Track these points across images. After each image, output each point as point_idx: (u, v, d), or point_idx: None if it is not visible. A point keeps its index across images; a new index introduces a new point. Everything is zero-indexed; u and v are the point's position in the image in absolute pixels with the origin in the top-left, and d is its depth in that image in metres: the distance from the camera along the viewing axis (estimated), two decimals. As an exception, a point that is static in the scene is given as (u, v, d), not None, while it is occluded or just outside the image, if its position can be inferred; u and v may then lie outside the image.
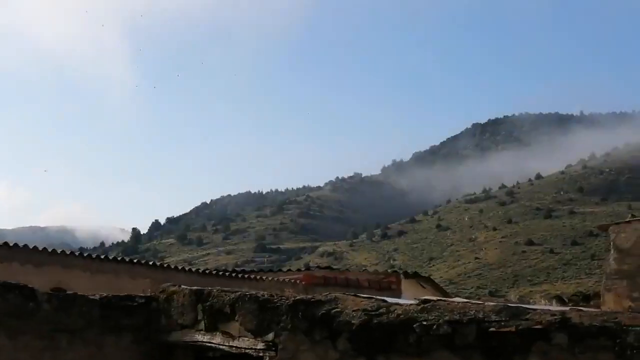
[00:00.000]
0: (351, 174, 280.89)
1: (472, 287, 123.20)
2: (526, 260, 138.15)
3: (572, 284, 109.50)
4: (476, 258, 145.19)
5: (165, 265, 19.01)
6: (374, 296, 6.85)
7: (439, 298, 6.38)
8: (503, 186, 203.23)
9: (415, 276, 22.41)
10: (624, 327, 5.80)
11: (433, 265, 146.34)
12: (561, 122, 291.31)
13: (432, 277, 30.18)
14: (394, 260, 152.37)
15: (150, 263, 18.70)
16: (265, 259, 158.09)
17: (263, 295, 7.12)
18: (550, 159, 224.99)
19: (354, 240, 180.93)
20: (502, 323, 5.92)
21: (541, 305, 10.72)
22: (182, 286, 8.19)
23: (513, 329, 5.85)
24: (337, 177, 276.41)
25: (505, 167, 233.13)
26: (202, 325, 7.63)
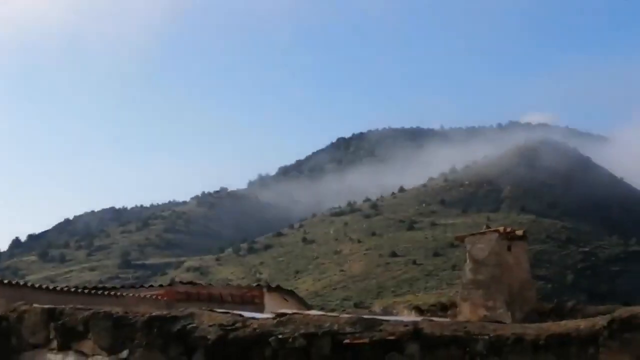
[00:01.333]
0: (217, 189, 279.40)
1: (337, 300, 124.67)
2: (390, 272, 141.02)
3: (434, 294, 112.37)
4: (341, 270, 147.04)
5: (21, 283, 18.28)
6: (231, 311, 6.81)
7: (294, 311, 6.40)
8: (367, 199, 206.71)
9: (278, 289, 22.43)
10: (474, 337, 5.96)
11: (299, 279, 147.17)
12: (422, 136, 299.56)
13: (297, 290, 30.33)
14: (260, 274, 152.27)
15: (5, 281, 17.94)
16: (130, 276, 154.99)
17: (117, 313, 6.96)
18: (412, 173, 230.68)
19: (220, 255, 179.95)
20: (357, 334, 5.98)
21: (396, 317, 10.93)
22: (34, 305, 7.90)
23: (367, 340, 5.92)
24: (203, 192, 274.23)
25: (368, 181, 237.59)
26: (54, 344, 7.38)
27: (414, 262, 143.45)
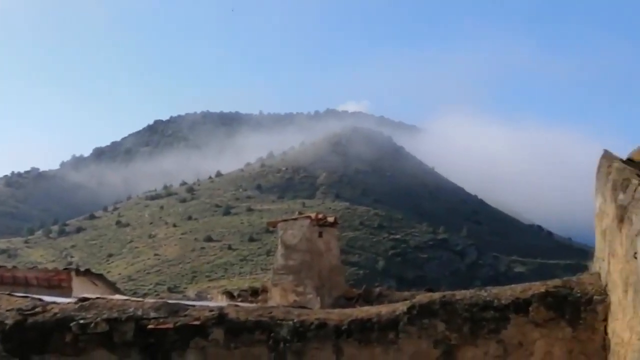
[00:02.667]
0: (28, 169, 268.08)
1: (151, 284, 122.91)
2: (205, 257, 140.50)
3: (248, 279, 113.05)
4: (156, 254, 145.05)
5: None
6: (31, 295, 6.57)
7: (98, 296, 6.24)
8: (184, 183, 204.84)
9: (87, 273, 21.75)
10: (278, 322, 6.03)
11: (112, 262, 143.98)
12: (239, 121, 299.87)
13: (110, 274, 29.60)
14: (72, 257, 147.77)
15: None
16: None
17: None
18: (228, 157, 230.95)
19: (29, 237, 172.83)
20: (161, 320, 5.91)
21: (203, 302, 10.89)
22: None
23: (171, 325, 5.87)
24: (13, 172, 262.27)
25: (183, 165, 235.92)
26: None
27: (230, 247, 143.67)
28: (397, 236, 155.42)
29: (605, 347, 5.70)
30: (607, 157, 6.27)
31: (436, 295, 6.14)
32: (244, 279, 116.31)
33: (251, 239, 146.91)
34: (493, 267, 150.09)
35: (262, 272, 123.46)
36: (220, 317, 5.94)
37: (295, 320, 6.03)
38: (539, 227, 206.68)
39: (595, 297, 5.81)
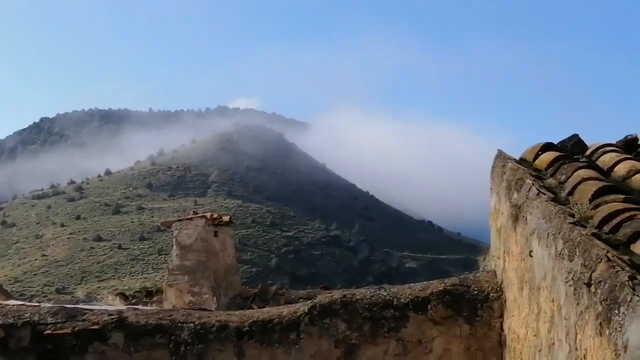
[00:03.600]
0: None
1: (38, 285, 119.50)
2: (95, 257, 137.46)
3: (139, 279, 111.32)
4: (43, 255, 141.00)
5: None
6: None
7: (-9, 303, 6.04)
8: (72, 182, 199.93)
9: (-27, 278, 21.06)
10: (179, 324, 5.96)
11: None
12: (129, 119, 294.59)
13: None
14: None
15: None
16: None
17: None
18: (118, 156, 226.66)
19: None
20: (59, 325, 5.77)
21: (100, 305, 10.67)
22: None
23: (69, 330, 5.74)
24: None
25: (71, 163, 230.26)
26: None
27: (120, 247, 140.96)
28: (290, 233, 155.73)
29: (501, 343, 5.87)
30: (501, 157, 6.45)
31: (337, 295, 6.20)
32: (135, 278, 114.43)
33: (142, 238, 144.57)
34: (385, 262, 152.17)
35: (153, 271, 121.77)
36: (120, 321, 5.84)
37: (196, 323, 5.99)
38: (430, 222, 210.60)
39: (491, 294, 5.98)
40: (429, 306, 5.97)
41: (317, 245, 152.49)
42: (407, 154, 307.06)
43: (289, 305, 6.59)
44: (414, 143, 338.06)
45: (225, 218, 15.62)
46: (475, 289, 6.01)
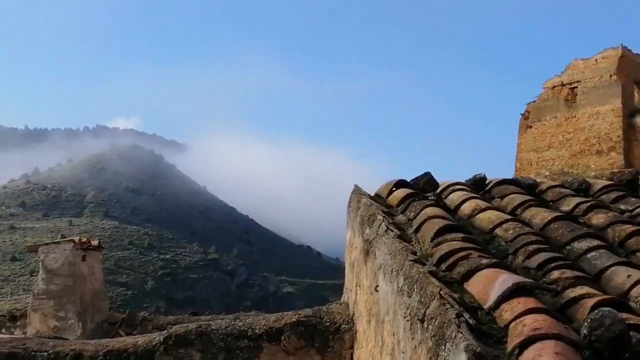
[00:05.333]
0: None
1: None
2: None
3: (9, 300, 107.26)
4: None
5: None
6: None
7: None
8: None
9: None
10: (32, 353, 5.90)
11: None
12: (3, 136, 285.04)
13: None
14: None
15: None
16: None
17: None
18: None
19: None
20: None
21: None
22: None
23: None
24: None
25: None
26: None
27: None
28: (167, 256, 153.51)
29: (350, 373, 6.07)
30: (357, 192, 6.69)
31: (192, 325, 6.27)
32: (4, 300, 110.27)
33: (13, 259, 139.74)
34: (263, 287, 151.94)
35: (24, 292, 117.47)
36: (-32, 351, 5.75)
37: (49, 352, 5.94)
38: (309, 247, 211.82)
39: (343, 326, 6.17)
40: (282, 337, 6.11)
41: (195, 269, 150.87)
42: (285, 177, 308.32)
43: (144, 334, 6.61)
44: (291, 167, 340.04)
45: (94, 242, 15.42)
46: (328, 320, 6.19)
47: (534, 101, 56.51)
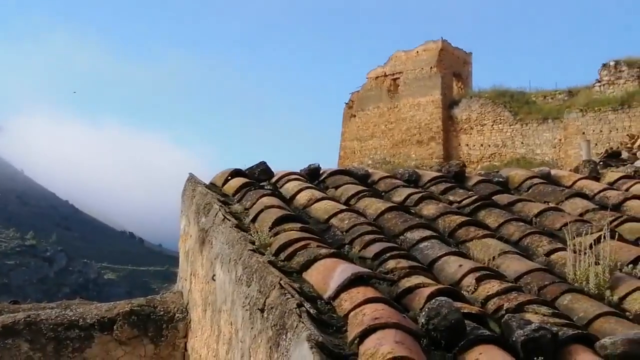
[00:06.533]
0: None
1: None
2: None
3: None
4: None
5: None
6: None
7: None
8: None
9: None
10: None
11: None
12: None
13: None
14: None
15: None
16: None
17: None
18: None
19: None
20: None
21: None
22: None
23: None
24: None
25: None
26: None
27: None
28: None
29: (184, 362, 6.02)
30: (192, 180, 6.62)
31: (20, 315, 6.02)
32: None
33: None
34: (83, 273, 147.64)
35: None
36: None
37: None
38: (131, 234, 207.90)
39: (177, 315, 6.11)
40: (115, 326, 5.97)
41: (11, 255, 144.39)
42: (106, 162, 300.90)
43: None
44: (111, 152, 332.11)
45: None
46: (162, 309, 6.11)
47: (358, 91, 57.85)
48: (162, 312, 6.08)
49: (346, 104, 58.43)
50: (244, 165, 6.70)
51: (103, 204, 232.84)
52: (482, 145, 49.74)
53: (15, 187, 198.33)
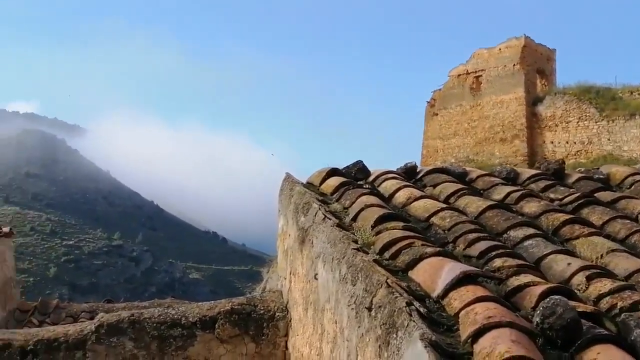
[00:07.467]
0: None
1: None
2: None
3: None
4: None
5: None
6: None
7: None
8: None
9: None
10: (-45, 346, 5.72)
11: None
12: None
13: None
14: None
15: None
16: None
17: None
18: None
19: None
20: None
21: None
22: None
23: None
24: None
25: None
26: None
27: None
28: (70, 242, 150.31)
29: (285, 361, 6.07)
30: (289, 180, 6.67)
31: (124, 314, 6.16)
32: None
33: None
34: (168, 273, 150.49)
35: None
36: None
37: (-26, 343, 5.76)
38: (215, 233, 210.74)
39: (277, 314, 6.16)
40: (216, 325, 6.06)
41: (99, 255, 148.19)
42: (187, 162, 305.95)
43: (76, 323, 6.47)
44: (192, 151, 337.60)
45: (5, 229, 14.97)
46: (262, 308, 6.18)
47: (440, 89, 57.50)
48: (262, 311, 6.14)
49: (428, 102, 58.13)
50: (324, 165, 6.74)
51: (186, 204, 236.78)
52: (567, 142, 48.89)
53: (101, 188, 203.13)
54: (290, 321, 6.06)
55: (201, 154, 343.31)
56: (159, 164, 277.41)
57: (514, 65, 52.10)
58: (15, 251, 16.16)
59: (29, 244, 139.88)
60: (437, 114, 56.78)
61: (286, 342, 6.09)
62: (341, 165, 6.64)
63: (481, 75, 54.48)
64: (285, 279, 6.36)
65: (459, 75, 55.96)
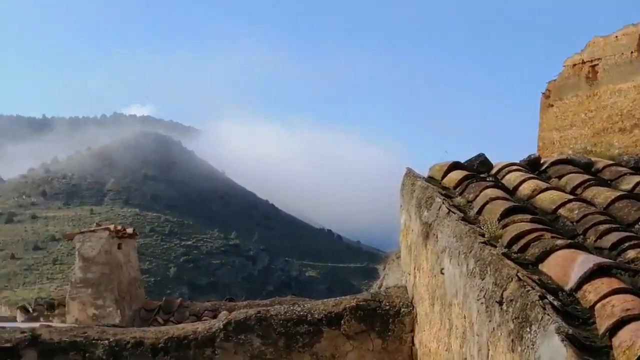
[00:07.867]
0: None
1: None
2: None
3: (34, 289, 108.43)
4: None
5: None
6: None
7: None
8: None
9: None
10: (93, 341, 5.93)
11: None
12: (21, 125, 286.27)
13: None
14: None
15: None
16: None
17: None
18: (10, 162, 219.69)
19: None
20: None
21: (12, 323, 10.43)
22: None
23: (-19, 351, 5.65)
24: None
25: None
26: None
27: (13, 256, 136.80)
28: (189, 242, 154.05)
29: (412, 356, 6.05)
30: (410, 175, 6.65)
31: (252, 311, 6.27)
32: (28, 289, 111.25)
33: (36, 248, 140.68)
34: (285, 271, 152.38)
35: (47, 281, 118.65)
36: (33, 339, 5.78)
37: (110, 340, 5.97)
38: (329, 231, 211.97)
39: (402, 309, 6.15)
40: (342, 321, 6.11)
41: (217, 254, 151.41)
42: (299, 160, 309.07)
43: (204, 321, 6.64)
44: (304, 150, 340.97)
45: (129, 230, 15.50)
46: (387, 304, 6.19)
47: (555, 80, 56.13)
48: (387, 307, 6.15)
49: (543, 93, 56.84)
50: (437, 160, 6.69)
51: (300, 202, 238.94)
52: (691, 129, 46.93)
53: (217, 188, 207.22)
54: (416, 316, 6.05)
55: (314, 152, 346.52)
56: (273, 163, 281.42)
57: (632, 52, 50.32)
58: (137, 252, 16.69)
59: (149, 244, 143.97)
60: (552, 105, 55.31)
61: (412, 337, 6.08)
62: (456, 159, 6.57)
63: (597, 64, 52.83)
64: (409, 274, 6.35)
65: (574, 64, 54.34)
